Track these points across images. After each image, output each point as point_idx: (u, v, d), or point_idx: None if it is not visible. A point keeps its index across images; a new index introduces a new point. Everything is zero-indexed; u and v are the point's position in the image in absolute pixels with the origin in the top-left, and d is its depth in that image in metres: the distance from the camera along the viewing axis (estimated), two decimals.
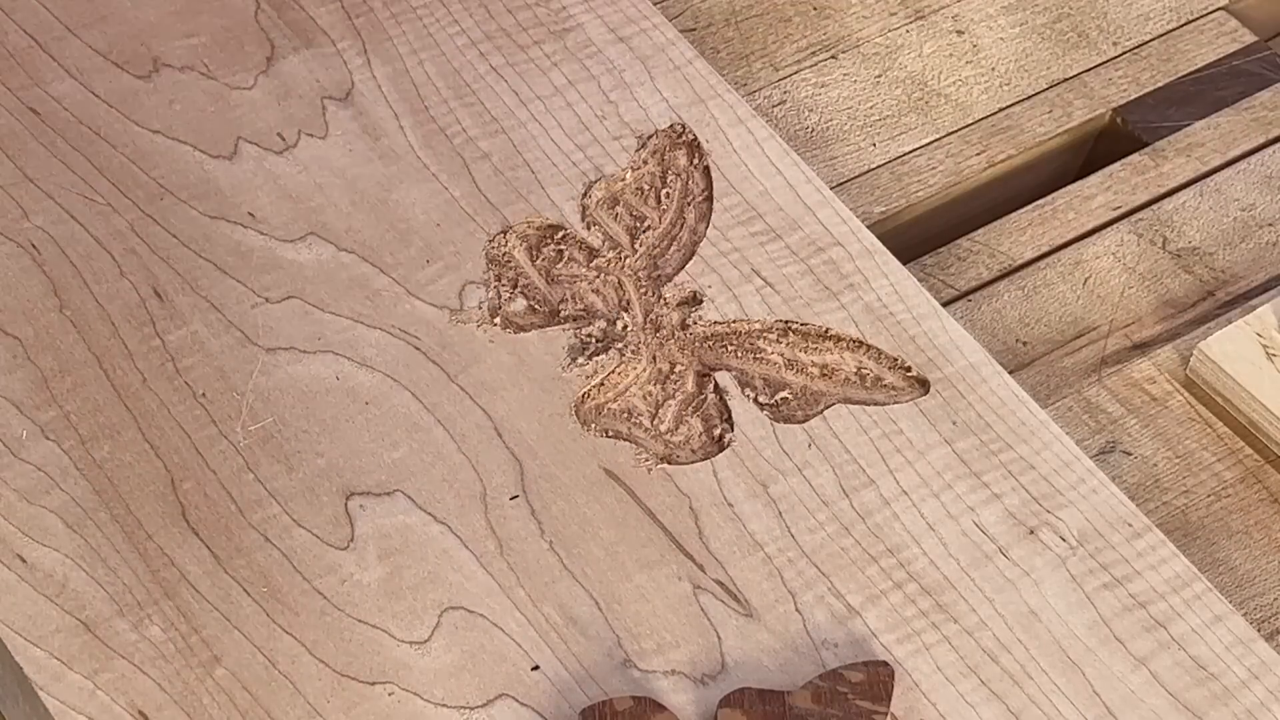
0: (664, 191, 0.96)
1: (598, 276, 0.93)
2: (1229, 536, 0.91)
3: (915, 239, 1.03)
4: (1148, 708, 0.81)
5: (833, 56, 1.09)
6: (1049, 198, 1.04)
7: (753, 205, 0.96)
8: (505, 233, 0.94)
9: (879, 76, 1.08)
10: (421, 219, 0.94)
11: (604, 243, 0.94)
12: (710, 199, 0.96)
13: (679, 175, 0.97)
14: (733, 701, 0.79)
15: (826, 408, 0.89)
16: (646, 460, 0.87)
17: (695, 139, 0.98)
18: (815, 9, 1.11)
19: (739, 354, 0.91)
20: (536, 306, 0.92)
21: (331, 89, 0.98)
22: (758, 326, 0.91)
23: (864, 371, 0.90)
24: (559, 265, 0.93)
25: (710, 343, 0.91)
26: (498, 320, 0.91)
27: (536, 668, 0.80)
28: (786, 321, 0.92)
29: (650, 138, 0.98)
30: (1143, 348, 0.98)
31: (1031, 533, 0.86)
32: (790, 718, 0.79)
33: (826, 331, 0.91)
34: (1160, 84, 1.09)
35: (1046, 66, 1.10)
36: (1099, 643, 0.83)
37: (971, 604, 0.83)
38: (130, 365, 0.88)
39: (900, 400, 0.90)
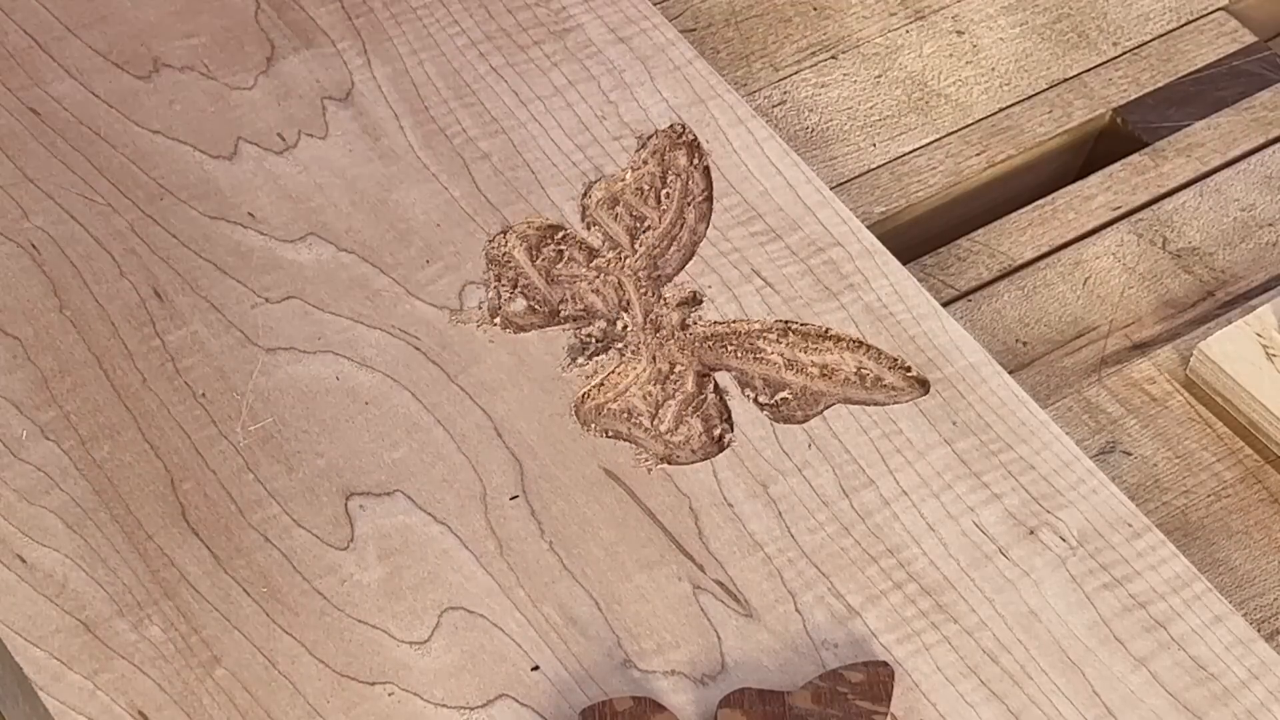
0: (664, 191, 0.96)
1: (598, 276, 0.93)
2: (1229, 536, 0.91)
3: (915, 239, 1.03)
4: (1148, 708, 0.81)
5: (833, 56, 1.09)
6: (1049, 198, 1.04)
7: (753, 205, 0.96)
8: (505, 233, 0.94)
9: (879, 76, 1.08)
10: (421, 219, 0.94)
11: (604, 243, 0.94)
12: (710, 199, 0.96)
13: (679, 175, 0.97)
14: (733, 701, 0.79)
15: (826, 408, 0.89)
16: (646, 460, 0.87)
17: (695, 139, 0.98)
18: (815, 9, 1.11)
19: (739, 354, 0.91)
20: (536, 306, 0.92)
21: (331, 89, 0.98)
22: (758, 326, 0.91)
23: (864, 371, 0.90)
24: (559, 265, 0.93)
25: (710, 343, 0.91)
26: (498, 320, 0.91)
27: (536, 668, 0.80)
28: (786, 322, 0.92)
29: (650, 138, 0.98)
30: (1143, 348, 0.98)
31: (1031, 533, 0.86)
32: (790, 718, 0.79)
33: (826, 332, 0.91)
34: (1160, 84, 1.10)
35: (1046, 66, 1.10)
36: (1099, 643, 0.83)
37: (971, 604, 0.83)
38: (130, 365, 0.88)
39: (900, 400, 0.90)
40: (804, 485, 0.86)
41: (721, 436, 0.88)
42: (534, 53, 1.01)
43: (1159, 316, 0.99)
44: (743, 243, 0.94)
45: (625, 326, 0.91)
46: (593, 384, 0.89)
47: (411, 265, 0.92)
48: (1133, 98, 1.09)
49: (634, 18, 1.02)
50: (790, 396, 0.89)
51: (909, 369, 0.91)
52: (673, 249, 0.94)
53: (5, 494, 0.83)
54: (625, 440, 0.88)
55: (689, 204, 0.96)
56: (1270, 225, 1.03)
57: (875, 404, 0.89)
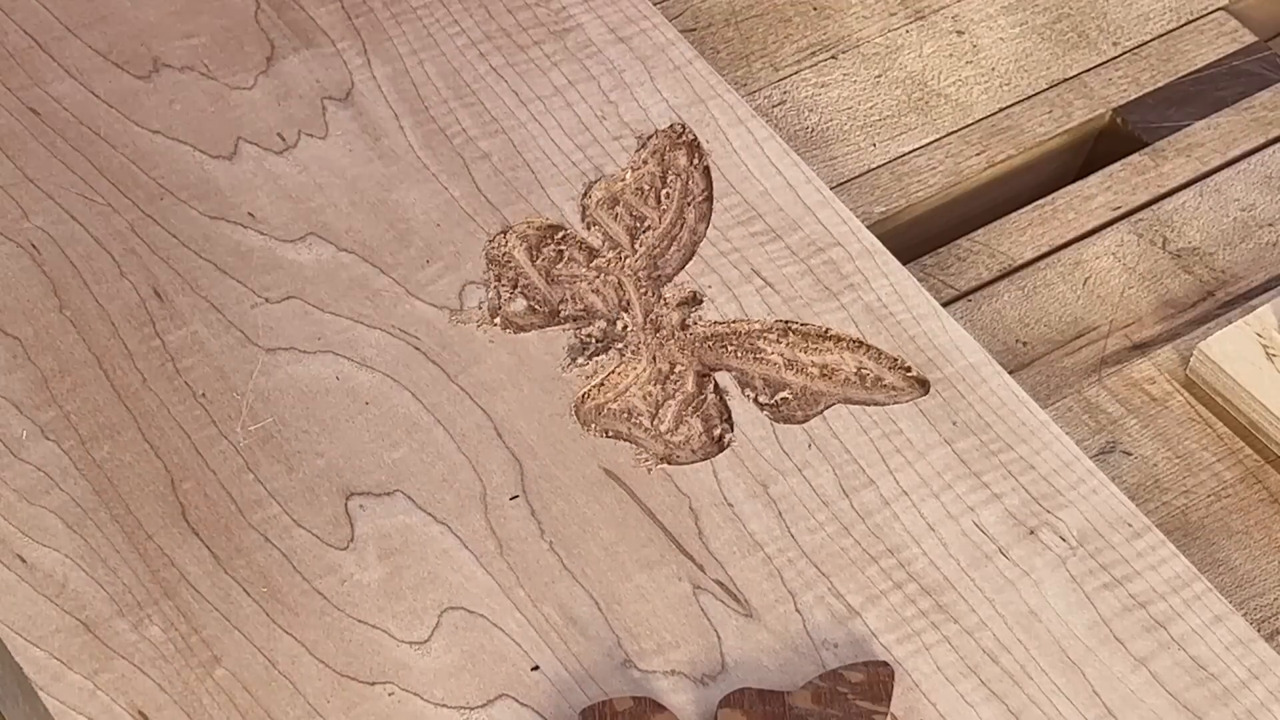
0: (664, 191, 0.96)
1: (598, 276, 0.93)
2: (1229, 536, 0.91)
3: (915, 239, 1.03)
4: (1148, 708, 0.81)
5: (833, 56, 1.09)
6: (1049, 198, 1.04)
7: (753, 205, 0.96)
8: (505, 233, 0.94)
9: (879, 76, 1.08)
10: (421, 219, 0.94)
11: (604, 243, 0.94)
12: (710, 199, 0.96)
13: (679, 175, 0.97)
14: (733, 701, 0.79)
15: (826, 408, 0.89)
16: (646, 460, 0.87)
17: (695, 139, 0.98)
18: (815, 9, 1.11)
19: (739, 354, 0.91)
20: (536, 306, 0.92)
21: (331, 89, 0.98)
22: (758, 326, 0.91)
23: (864, 371, 0.90)
24: (559, 265, 0.93)
25: (710, 343, 0.91)
26: (498, 320, 0.91)
27: (536, 668, 0.80)
28: (786, 321, 0.92)
29: (650, 138, 0.98)
30: (1143, 348, 0.98)
31: (1031, 533, 0.86)
32: (790, 718, 0.79)
33: (826, 332, 0.91)
34: (1160, 84, 1.09)
35: (1046, 66, 1.10)
36: (1099, 643, 0.83)
37: (971, 604, 0.83)
38: (130, 365, 0.88)
39: (900, 400, 0.90)
40: (804, 485, 0.86)
41: (721, 436, 0.88)
42: (534, 53, 1.01)
43: (1159, 316, 0.99)
44: (743, 243, 0.94)
45: (625, 326, 0.91)
46: (593, 384, 0.89)
47: (411, 265, 0.92)
48: (1133, 98, 1.09)
49: (634, 18, 1.02)
50: (790, 396, 0.89)
51: (909, 369, 0.91)
52: (673, 249, 0.94)
53: (5, 494, 0.83)
54: (625, 440, 0.88)
55: (689, 204, 0.96)
56: (1270, 225, 1.03)
57: (875, 404, 0.89)
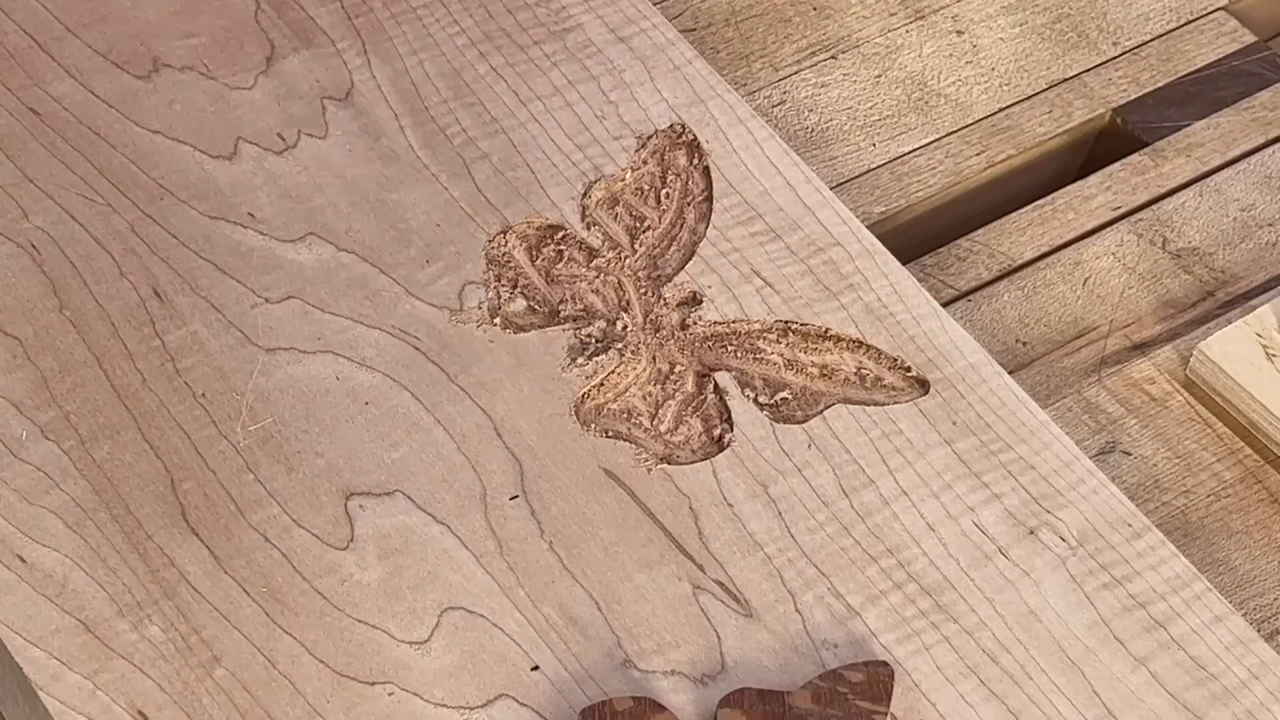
0: (664, 191, 0.96)
1: (598, 277, 0.93)
2: (1229, 536, 0.91)
3: (915, 239, 1.03)
4: (1148, 708, 0.81)
5: (833, 56, 1.09)
6: (1049, 198, 1.04)
7: (753, 205, 0.96)
8: (505, 233, 0.94)
9: (879, 76, 1.08)
10: (421, 219, 0.94)
11: (604, 243, 0.94)
12: (710, 199, 0.96)
13: (679, 175, 0.97)
14: (733, 701, 0.79)
15: (826, 408, 0.89)
16: (646, 460, 0.87)
17: (695, 139, 0.98)
18: (815, 9, 1.11)
19: (739, 354, 0.91)
20: (536, 307, 0.92)
21: (331, 89, 0.98)
22: (758, 326, 0.91)
23: (864, 372, 0.90)
24: (559, 265, 0.93)
25: (710, 343, 0.91)
26: (498, 320, 0.91)
27: (536, 668, 0.80)
28: (786, 322, 0.92)
29: (650, 138, 0.98)
30: (1143, 348, 0.98)
31: (1031, 533, 0.86)
32: (790, 718, 0.79)
33: (826, 332, 0.91)
34: (1160, 84, 1.10)
35: (1046, 66, 1.10)
36: (1099, 643, 0.83)
37: (971, 604, 0.83)
38: (130, 365, 0.88)
39: (900, 400, 0.90)
40: (804, 485, 0.86)
41: (721, 436, 0.88)
42: (534, 53, 1.01)
43: (1159, 316, 0.99)
44: (743, 243, 0.94)
45: (625, 326, 0.91)
46: (593, 384, 0.89)
47: (411, 265, 0.92)
48: (1133, 98, 1.09)
49: (634, 18, 1.02)
50: (790, 396, 0.89)
51: (909, 369, 0.91)
52: (673, 249, 0.94)
53: (5, 494, 0.83)
54: (625, 440, 0.88)
55: (689, 204, 0.96)
56: (1270, 225, 1.03)
57: (875, 404, 0.89)
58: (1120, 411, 0.95)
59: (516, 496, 0.85)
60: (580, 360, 0.90)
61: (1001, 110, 1.08)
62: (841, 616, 0.83)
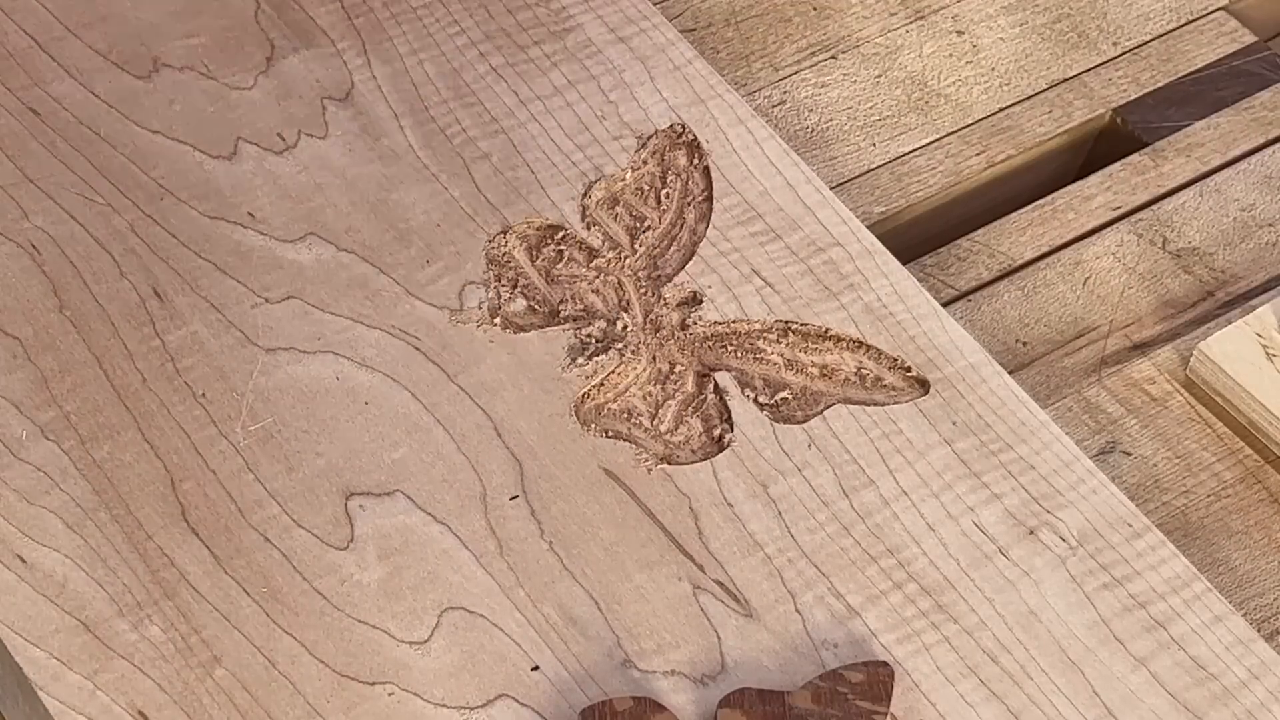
0: (664, 191, 0.96)
1: (598, 277, 0.93)
2: (1229, 536, 0.91)
3: (915, 239, 1.03)
4: (1147, 708, 0.81)
5: (833, 56, 1.09)
6: (1049, 198, 1.04)
7: (753, 205, 0.96)
8: (505, 233, 0.94)
9: (879, 76, 1.08)
10: (421, 219, 0.94)
11: (604, 243, 0.94)
12: (710, 199, 0.96)
13: (679, 175, 0.97)
14: (733, 701, 0.79)
15: (826, 408, 0.89)
16: (646, 460, 0.87)
17: (695, 139, 0.98)
18: (815, 9, 1.11)
19: (739, 354, 0.91)
20: (536, 306, 0.92)
21: (331, 89, 0.98)
22: (758, 326, 0.91)
23: (864, 372, 0.90)
24: (559, 265, 0.93)
25: (710, 343, 0.91)
26: (498, 320, 0.91)
27: (536, 668, 0.80)
28: (786, 321, 0.92)
29: (650, 138, 0.98)
30: (1143, 348, 0.98)
31: (1031, 533, 0.86)
32: (790, 718, 0.79)
33: (826, 332, 0.91)
34: (1160, 84, 1.09)
35: (1046, 66, 1.10)
36: (1099, 643, 0.83)
37: (971, 604, 0.83)
38: (130, 365, 0.88)
39: (900, 400, 0.90)
40: (804, 485, 0.86)
41: (721, 436, 0.88)
42: (534, 53, 1.01)
43: (1159, 316, 0.99)
44: (743, 243, 0.94)
45: (625, 326, 0.91)
46: (593, 384, 0.89)
47: (411, 265, 0.92)
48: (1133, 98, 1.09)
49: (634, 18, 1.02)
50: (790, 396, 0.89)
51: (909, 369, 0.91)
52: (673, 249, 0.94)
53: (5, 494, 0.83)
54: (625, 440, 0.88)
55: (689, 204, 0.96)
56: (1270, 225, 1.03)
57: (875, 404, 0.89)
58: (1120, 411, 0.95)
59: (516, 496, 0.85)
60: (580, 360, 0.90)
61: (1001, 110, 1.08)
62: (841, 616, 0.83)
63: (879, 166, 1.05)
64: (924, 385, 0.90)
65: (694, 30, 1.09)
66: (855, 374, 0.90)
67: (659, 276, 0.93)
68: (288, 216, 0.93)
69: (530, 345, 0.90)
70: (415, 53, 1.00)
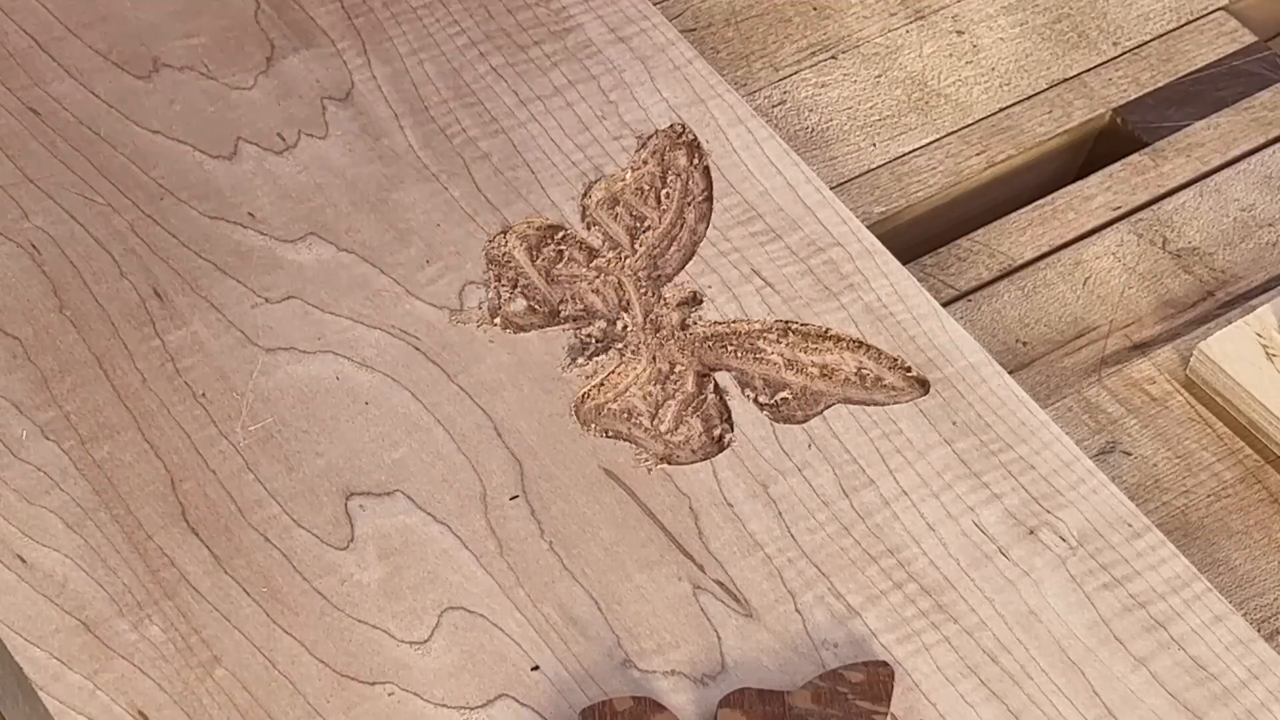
0: (664, 191, 0.96)
1: (598, 276, 0.93)
2: (1229, 536, 0.91)
3: (915, 239, 1.03)
4: (1148, 708, 0.81)
5: (833, 56, 1.09)
6: (1049, 198, 1.04)
7: (753, 205, 0.96)
8: (505, 233, 0.94)
9: (879, 76, 1.08)
10: (421, 219, 0.94)
11: (604, 243, 0.94)
12: (710, 199, 0.96)
13: (679, 175, 0.97)
14: (733, 701, 0.79)
15: (826, 408, 0.89)
16: (646, 460, 0.87)
17: (695, 139, 0.98)
18: (815, 9, 1.11)
19: (739, 354, 0.91)
20: (536, 306, 0.92)
21: (331, 89, 0.98)
22: (758, 326, 0.91)
23: (864, 371, 0.90)
24: (559, 265, 0.93)
25: (710, 343, 0.91)
26: (498, 320, 0.91)
27: (536, 668, 0.80)
28: (786, 321, 0.92)
29: (650, 138, 0.98)
30: (1143, 348, 0.98)
31: (1031, 533, 0.86)
32: (790, 718, 0.79)
33: (826, 331, 0.91)
34: (1160, 84, 1.10)
35: (1046, 66, 1.10)
36: (1099, 643, 0.83)
37: (971, 604, 0.83)
38: (130, 365, 0.88)
39: (900, 400, 0.90)
40: (804, 485, 0.86)
41: (721, 436, 0.88)
42: (534, 53, 1.01)
43: (1159, 316, 0.99)
44: (743, 243, 0.94)
45: (625, 326, 0.91)
46: (593, 384, 0.89)
47: (411, 265, 0.92)
48: (1133, 98, 1.09)
49: (634, 18, 1.02)
50: (790, 396, 0.89)
51: (909, 369, 0.91)
52: (673, 249, 0.94)
53: (5, 494, 0.83)
54: (625, 440, 0.88)
55: (689, 204, 0.96)
56: (1270, 225, 1.03)
57: (875, 404, 0.89)
58: (1120, 411, 0.95)
59: (516, 496, 0.85)
60: (580, 360, 0.90)
61: (1001, 110, 1.08)
62: (841, 616, 0.83)
63: (879, 166, 1.05)
64: (924, 385, 0.90)
65: (694, 30, 1.09)
66: (855, 374, 0.90)
67: (659, 276, 0.93)
68: (288, 216, 0.93)
69: (530, 345, 0.90)
70: (415, 53, 1.00)
